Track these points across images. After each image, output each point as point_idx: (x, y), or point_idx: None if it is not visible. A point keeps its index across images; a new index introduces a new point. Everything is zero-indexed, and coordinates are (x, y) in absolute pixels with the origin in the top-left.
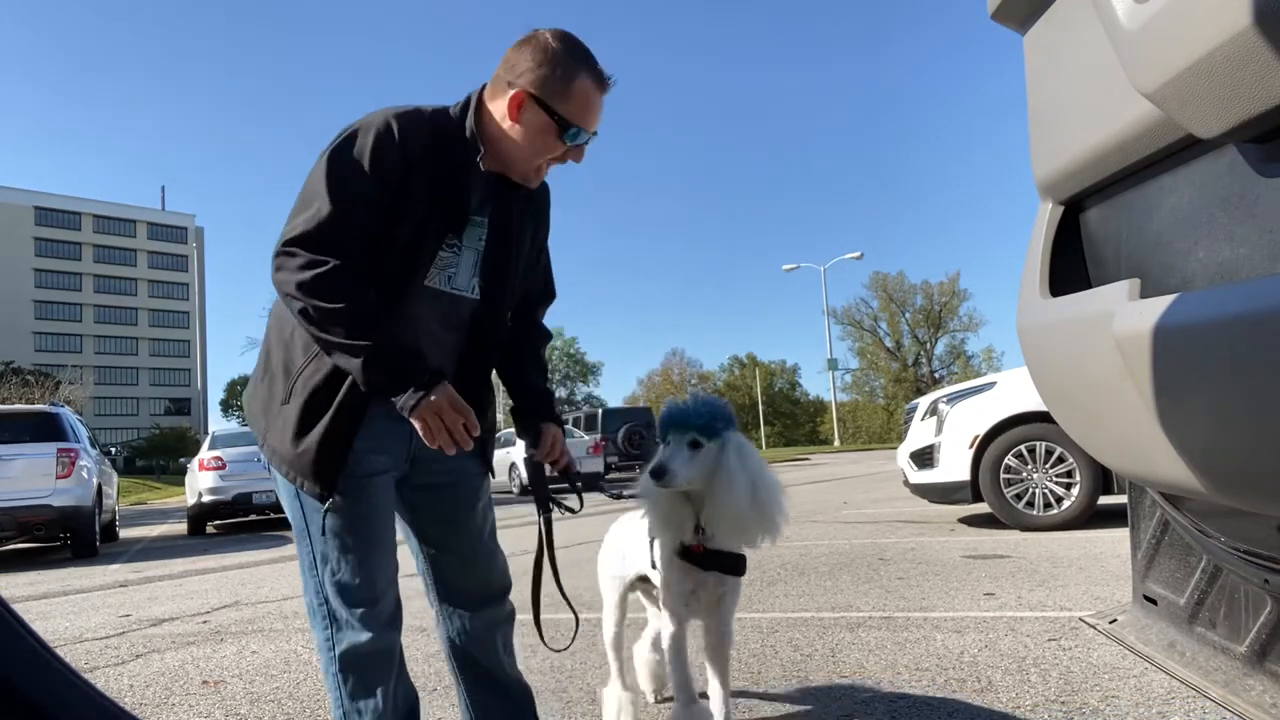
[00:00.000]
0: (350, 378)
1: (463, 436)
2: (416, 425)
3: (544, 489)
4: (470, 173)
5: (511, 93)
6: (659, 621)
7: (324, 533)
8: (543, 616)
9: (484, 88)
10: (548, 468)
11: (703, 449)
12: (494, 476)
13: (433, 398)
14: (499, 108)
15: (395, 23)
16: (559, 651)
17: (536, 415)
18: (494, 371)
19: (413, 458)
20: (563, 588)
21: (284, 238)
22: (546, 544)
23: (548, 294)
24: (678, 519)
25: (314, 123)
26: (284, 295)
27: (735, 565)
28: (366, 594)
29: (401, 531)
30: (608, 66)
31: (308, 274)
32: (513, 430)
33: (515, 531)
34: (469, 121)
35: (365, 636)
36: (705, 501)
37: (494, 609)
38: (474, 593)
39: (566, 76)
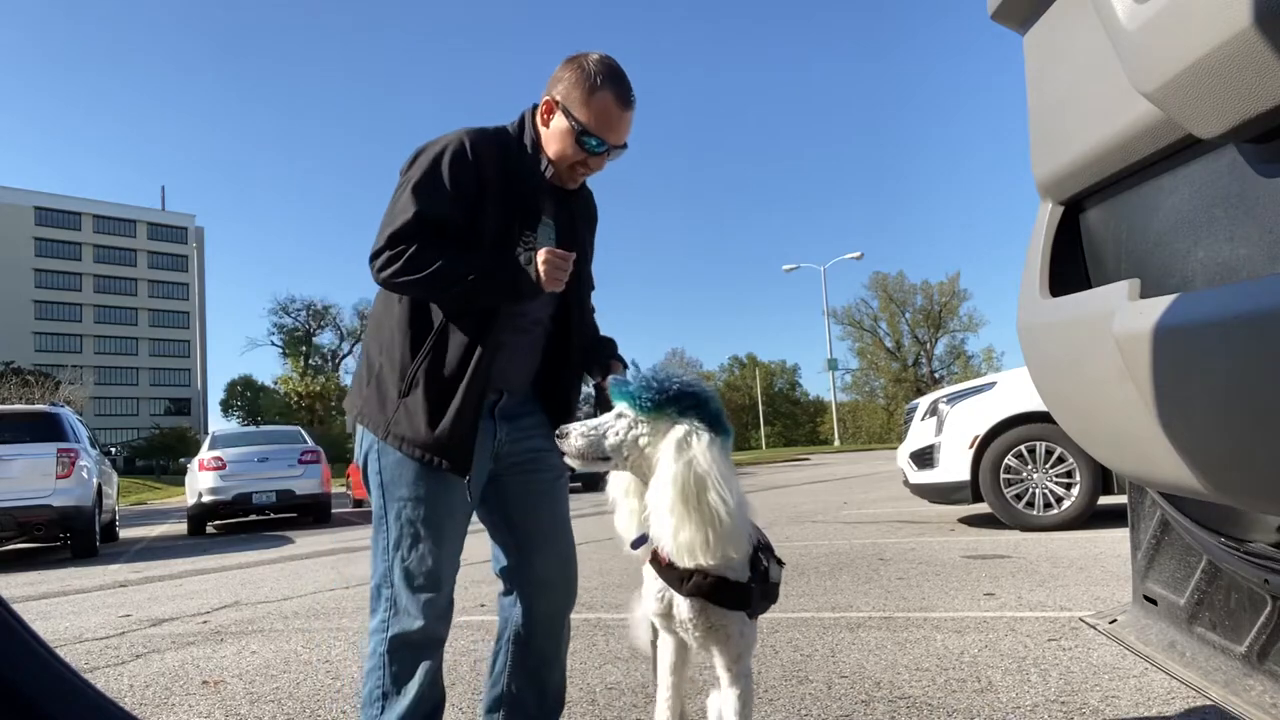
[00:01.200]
0: (469, 365)
1: (566, 273)
2: (546, 284)
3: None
4: (538, 175)
5: (545, 99)
6: (722, 693)
7: (401, 519)
8: None
9: (535, 106)
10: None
11: (623, 420)
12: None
13: (540, 264)
14: (539, 116)
15: (396, 23)
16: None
17: (605, 354)
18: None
19: (496, 454)
20: None
21: (375, 245)
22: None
23: (591, 283)
24: (627, 507)
25: (314, 122)
26: (393, 286)
27: (714, 592)
28: (431, 582)
29: (484, 522)
30: (639, 89)
31: (398, 263)
32: None
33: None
34: (527, 135)
35: (420, 624)
36: (647, 494)
37: (568, 601)
38: (555, 578)
39: (591, 89)
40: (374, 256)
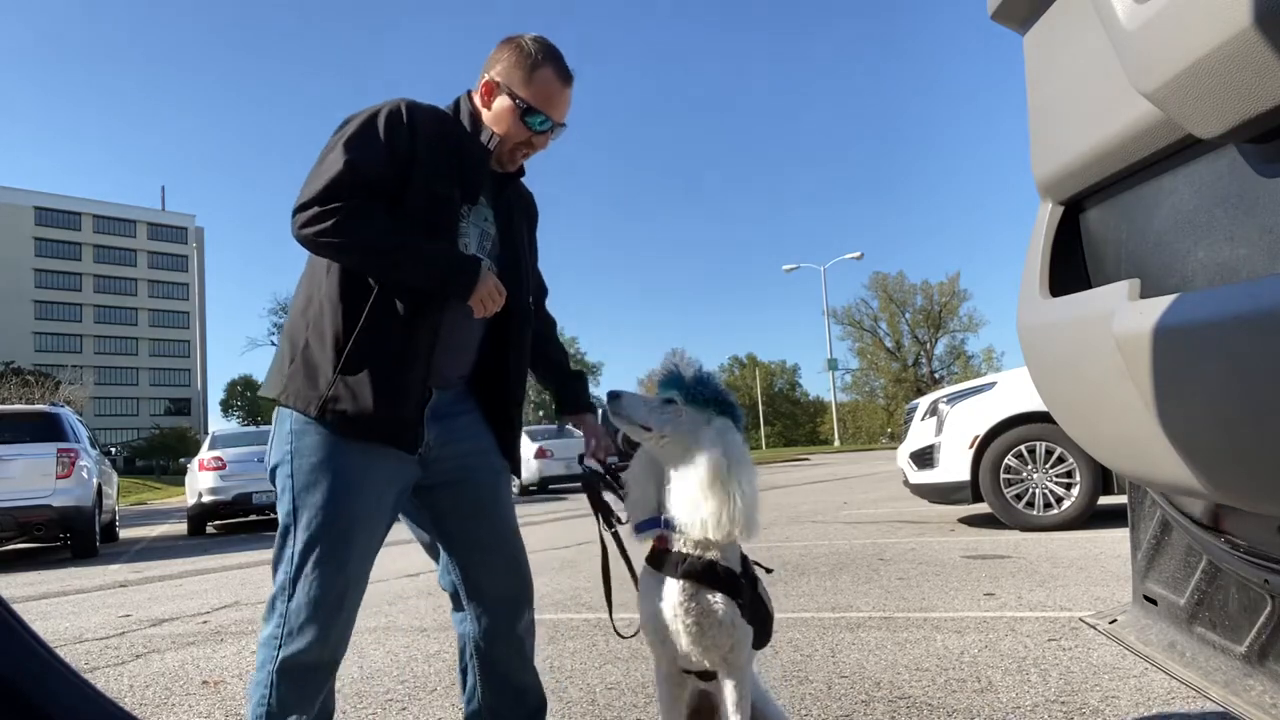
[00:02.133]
0: (413, 344)
1: (495, 308)
2: (474, 305)
3: (601, 501)
4: (480, 147)
5: (484, 80)
6: (720, 685)
7: (313, 526)
8: (551, 616)
9: (470, 90)
10: (593, 463)
11: (674, 406)
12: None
13: (484, 282)
14: (477, 98)
15: (395, 22)
16: (626, 639)
17: (575, 399)
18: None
19: (424, 460)
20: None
21: (299, 200)
22: (624, 558)
23: (543, 288)
24: (643, 496)
25: (315, 122)
26: (315, 245)
27: (705, 574)
28: (336, 601)
29: (427, 535)
30: (576, 62)
31: (326, 223)
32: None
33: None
34: (464, 113)
35: (316, 647)
36: (670, 476)
37: (521, 608)
38: (502, 590)
39: (531, 66)
40: (301, 208)
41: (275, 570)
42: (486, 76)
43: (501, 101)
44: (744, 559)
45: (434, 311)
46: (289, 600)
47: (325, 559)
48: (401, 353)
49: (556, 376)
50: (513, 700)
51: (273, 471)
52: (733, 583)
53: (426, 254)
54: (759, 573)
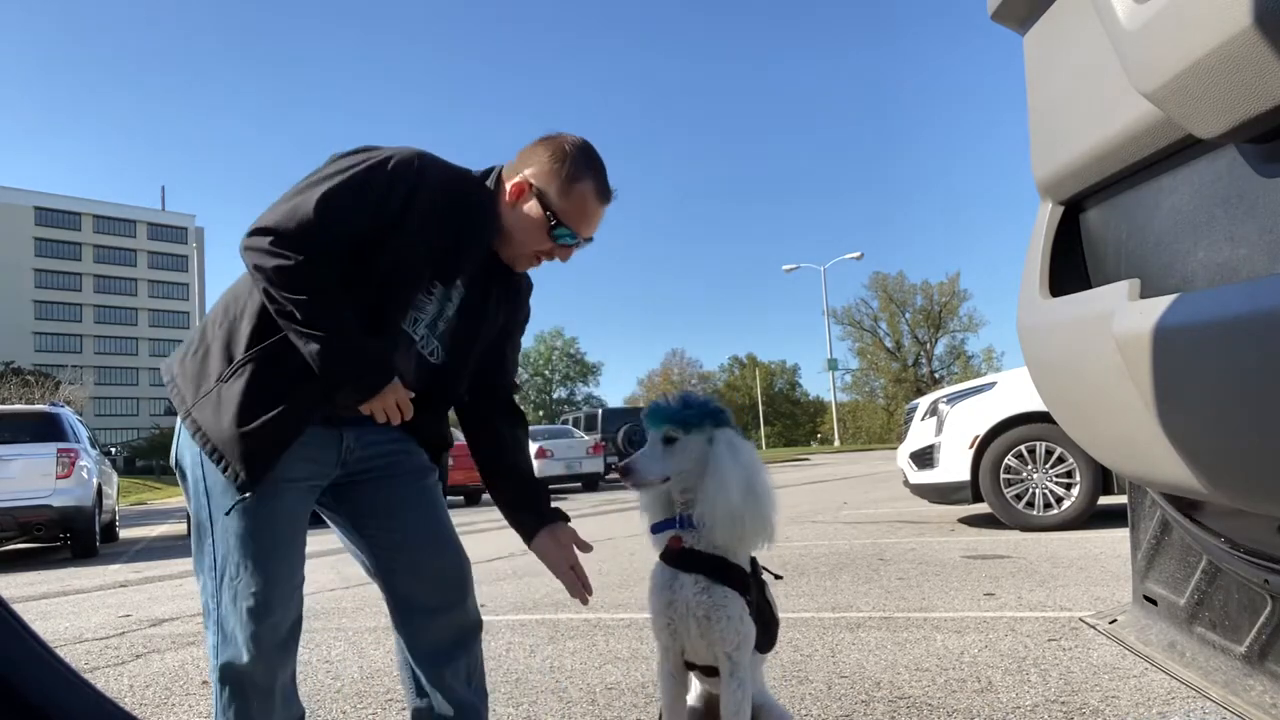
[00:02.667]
0: (313, 370)
1: (396, 419)
2: (362, 408)
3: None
4: (478, 239)
5: (517, 179)
6: (721, 682)
7: (227, 532)
8: (551, 616)
9: (504, 167)
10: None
11: (677, 443)
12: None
13: (383, 396)
14: (506, 190)
15: (396, 22)
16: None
17: (537, 516)
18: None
19: (343, 460)
20: None
21: (261, 221)
22: None
23: (510, 383)
24: (655, 499)
25: (315, 122)
26: (252, 270)
27: (718, 568)
28: (261, 608)
29: (348, 540)
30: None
31: (271, 262)
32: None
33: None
34: (490, 185)
35: (248, 655)
36: (697, 498)
37: (450, 617)
38: (426, 598)
39: (571, 177)
40: (260, 231)
41: (199, 574)
42: (520, 176)
43: (532, 206)
44: (753, 561)
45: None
46: (218, 607)
47: (244, 564)
48: (300, 375)
49: (516, 490)
50: (443, 708)
51: (177, 449)
52: (742, 580)
53: (342, 349)
54: (767, 579)
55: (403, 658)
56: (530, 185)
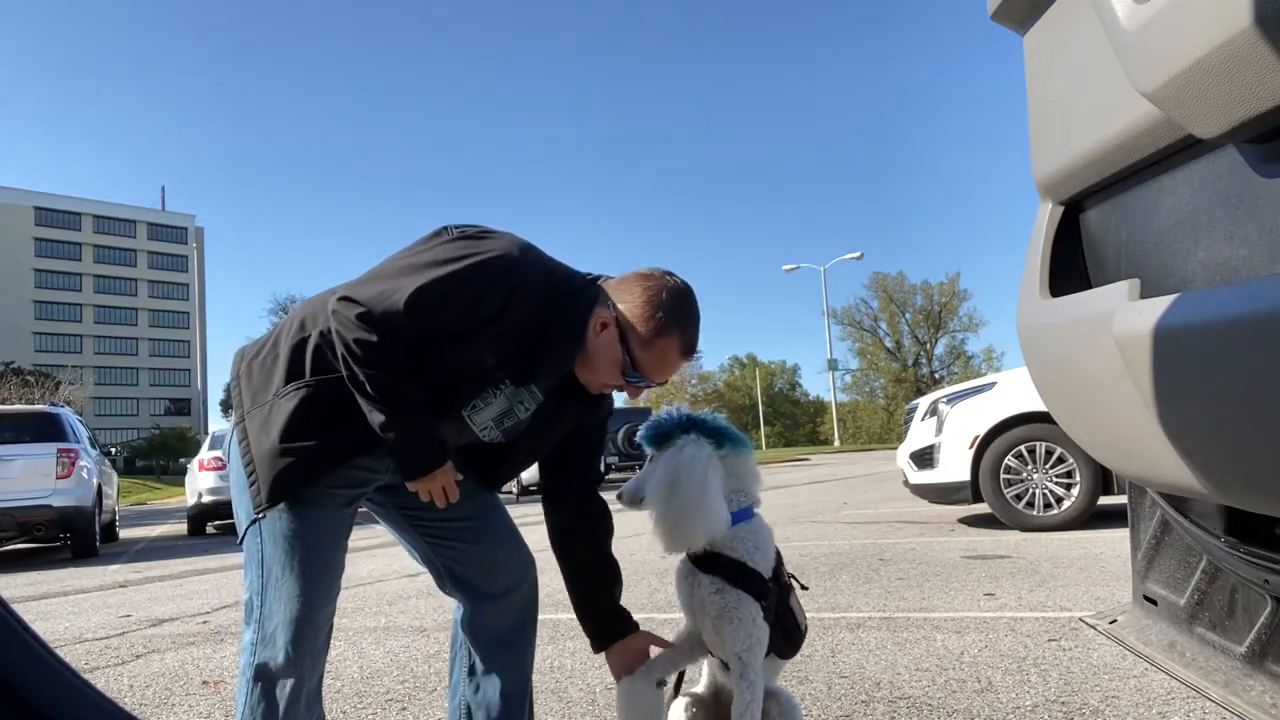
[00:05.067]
0: (365, 430)
1: (441, 504)
2: (410, 485)
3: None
4: (560, 357)
5: (605, 313)
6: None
7: (276, 534)
8: (551, 616)
9: (608, 283)
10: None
11: (652, 460)
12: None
13: (432, 478)
14: (594, 319)
15: (397, 22)
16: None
17: (612, 628)
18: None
19: (392, 466)
20: None
21: (354, 293)
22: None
23: (590, 464)
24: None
25: (315, 123)
26: (335, 333)
27: (735, 572)
28: (305, 612)
29: (401, 534)
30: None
31: (354, 334)
32: None
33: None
34: (579, 310)
35: (285, 657)
36: None
37: (513, 599)
38: (489, 582)
39: (659, 328)
40: (352, 301)
41: (247, 569)
42: (607, 309)
43: (613, 343)
44: (779, 568)
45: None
46: (261, 605)
47: (290, 566)
48: (335, 419)
49: (598, 608)
50: (498, 699)
51: (229, 459)
52: (759, 584)
53: (404, 427)
54: (795, 587)
55: (459, 643)
56: (615, 322)
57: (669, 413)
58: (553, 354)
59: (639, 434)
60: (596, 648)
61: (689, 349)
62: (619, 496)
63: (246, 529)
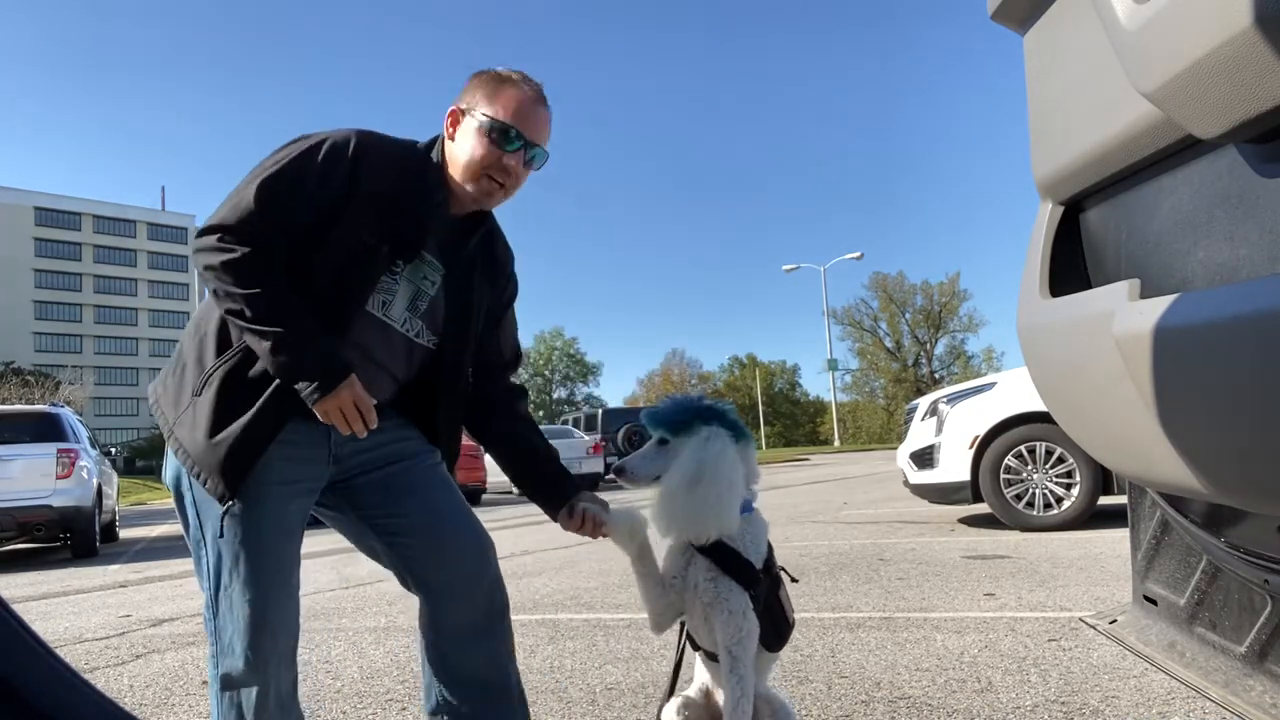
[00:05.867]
0: (275, 377)
1: (360, 430)
2: (320, 414)
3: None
4: (428, 204)
5: (450, 110)
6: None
7: (220, 539)
8: (550, 616)
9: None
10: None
11: (669, 445)
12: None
13: (337, 394)
14: (445, 136)
15: (397, 22)
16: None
17: (560, 490)
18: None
19: (335, 456)
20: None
21: (207, 221)
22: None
23: (516, 359)
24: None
25: (315, 123)
26: (203, 271)
27: (729, 561)
28: (258, 616)
29: (361, 540)
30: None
31: (218, 258)
32: None
33: (515, 531)
34: (434, 154)
35: (244, 664)
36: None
37: (473, 594)
38: (447, 577)
39: (495, 83)
40: (206, 230)
41: (199, 582)
42: (453, 106)
43: (467, 124)
44: (770, 559)
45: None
46: (215, 616)
47: (236, 571)
48: (263, 382)
49: (530, 466)
50: (478, 697)
51: (169, 483)
52: (751, 574)
53: (293, 343)
54: (785, 580)
55: (429, 650)
56: (462, 109)
57: (689, 398)
58: (420, 207)
59: (652, 412)
60: (551, 514)
61: (535, 89)
62: (617, 471)
63: (203, 536)
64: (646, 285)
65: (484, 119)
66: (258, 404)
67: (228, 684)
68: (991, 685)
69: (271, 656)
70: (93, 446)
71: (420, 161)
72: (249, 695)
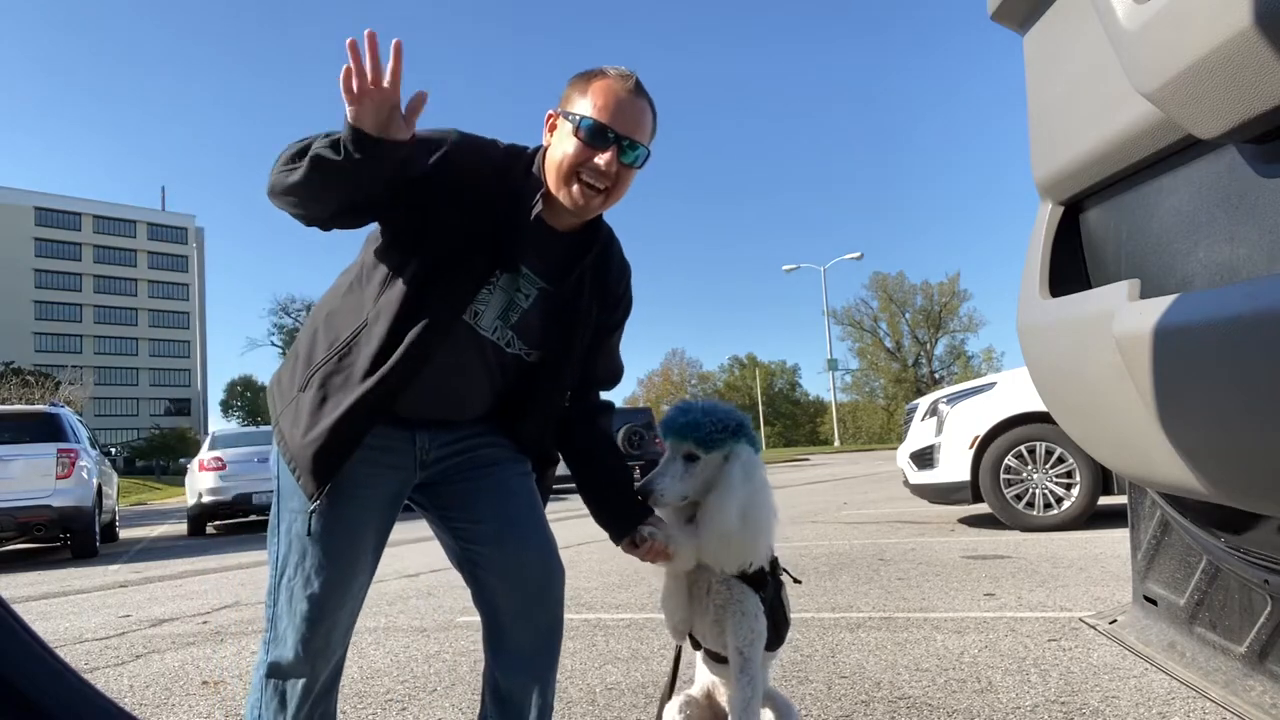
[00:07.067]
0: (370, 378)
1: (378, 77)
2: (350, 110)
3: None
4: (524, 213)
5: (546, 119)
6: (730, 673)
7: (290, 533)
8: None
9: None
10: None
11: (699, 462)
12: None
13: (357, 116)
14: (543, 147)
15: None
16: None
17: (628, 524)
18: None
19: (422, 461)
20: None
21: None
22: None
23: (613, 378)
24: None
25: (314, 122)
26: (273, 201)
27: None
28: (314, 612)
29: (442, 540)
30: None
31: (274, 176)
32: None
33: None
34: (535, 166)
35: (293, 655)
36: (700, 509)
37: (532, 616)
38: (507, 592)
39: (587, 79)
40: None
41: (269, 567)
42: (549, 113)
43: (561, 126)
44: (774, 560)
45: (417, 358)
46: (274, 604)
47: (301, 566)
48: (350, 385)
49: (603, 492)
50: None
51: (274, 464)
52: (760, 577)
53: (329, 141)
54: (786, 580)
55: (486, 671)
56: (555, 113)
57: (718, 409)
58: (519, 212)
59: (684, 425)
60: (614, 540)
61: (630, 83)
62: (645, 494)
63: (278, 523)
64: (646, 285)
65: (575, 117)
66: (345, 405)
67: (274, 672)
68: (991, 685)
69: (322, 653)
70: (93, 446)
71: (516, 168)
72: (294, 686)
